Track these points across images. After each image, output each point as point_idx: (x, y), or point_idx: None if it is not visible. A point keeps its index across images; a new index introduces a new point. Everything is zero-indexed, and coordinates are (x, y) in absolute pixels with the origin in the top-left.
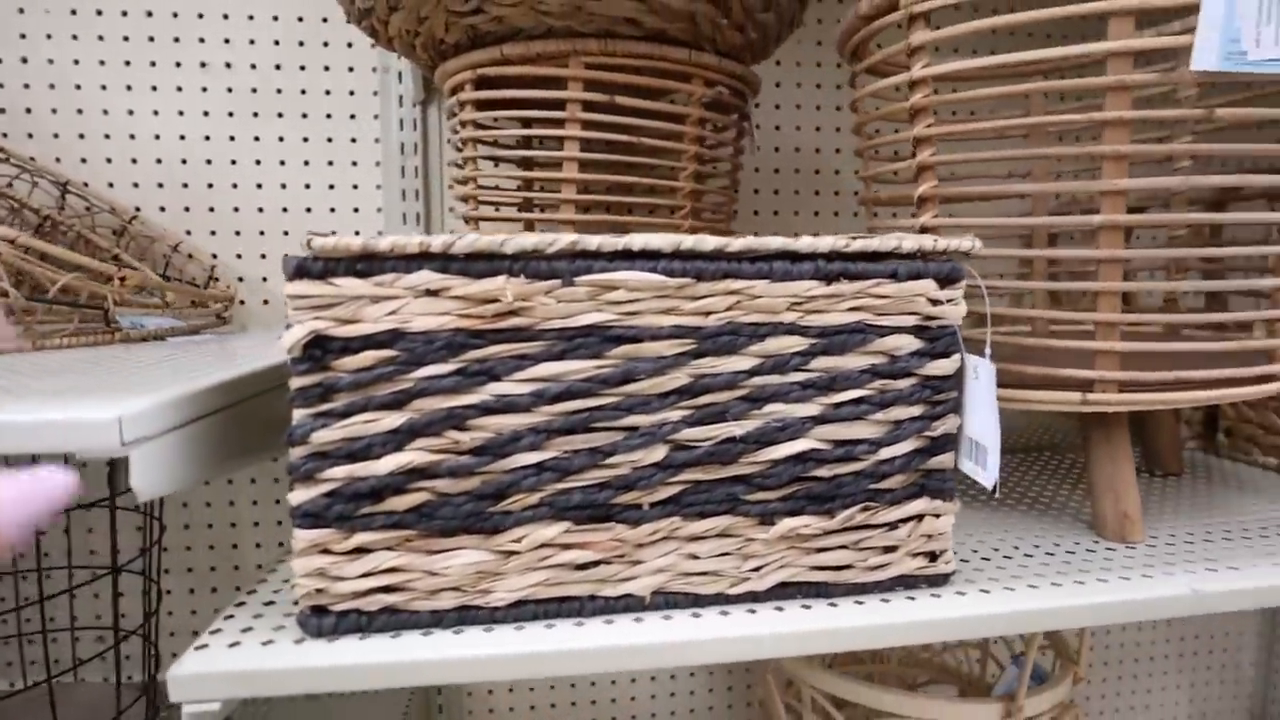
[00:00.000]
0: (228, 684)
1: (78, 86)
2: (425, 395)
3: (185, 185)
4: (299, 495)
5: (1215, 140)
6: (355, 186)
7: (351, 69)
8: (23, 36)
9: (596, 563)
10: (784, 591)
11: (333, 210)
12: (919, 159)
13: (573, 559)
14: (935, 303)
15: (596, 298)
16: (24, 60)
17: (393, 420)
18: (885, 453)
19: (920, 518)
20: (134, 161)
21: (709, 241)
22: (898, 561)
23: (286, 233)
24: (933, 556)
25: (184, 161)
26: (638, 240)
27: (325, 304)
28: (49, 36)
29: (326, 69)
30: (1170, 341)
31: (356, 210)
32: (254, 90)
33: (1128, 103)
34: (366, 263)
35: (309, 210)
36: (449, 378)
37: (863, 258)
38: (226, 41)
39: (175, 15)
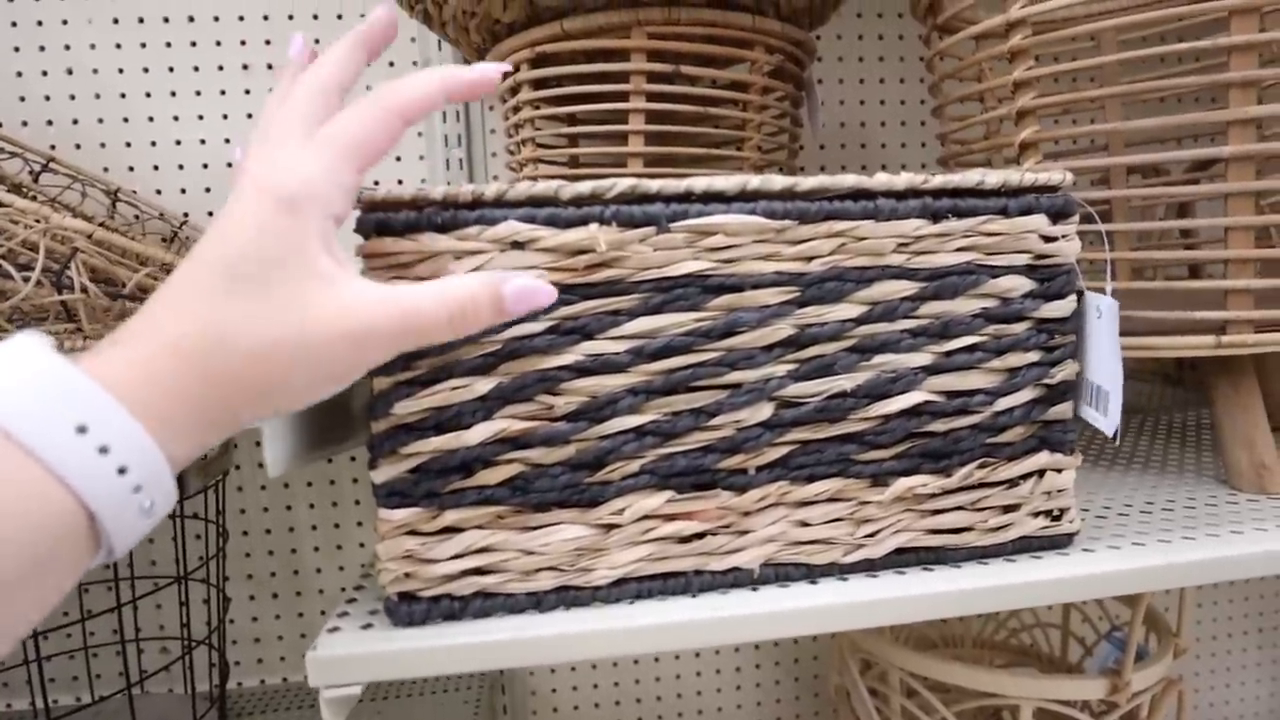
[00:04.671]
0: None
1: (122, 95)
2: (516, 357)
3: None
4: (383, 473)
5: None
6: (400, 181)
7: (391, 64)
8: (67, 48)
9: (701, 535)
10: (900, 558)
11: None
12: (1019, 104)
13: (676, 531)
14: (1048, 239)
15: (694, 244)
16: (69, 72)
17: (482, 386)
18: (1002, 403)
19: (1041, 473)
20: (180, 168)
21: (809, 180)
22: (1019, 522)
23: None
24: (1055, 515)
25: (230, 165)
26: (735, 181)
27: (406, 263)
28: (93, 46)
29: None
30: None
31: None
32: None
33: (1255, 27)
34: (449, 215)
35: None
36: (540, 337)
37: (971, 193)
38: (267, 43)
39: (216, 19)
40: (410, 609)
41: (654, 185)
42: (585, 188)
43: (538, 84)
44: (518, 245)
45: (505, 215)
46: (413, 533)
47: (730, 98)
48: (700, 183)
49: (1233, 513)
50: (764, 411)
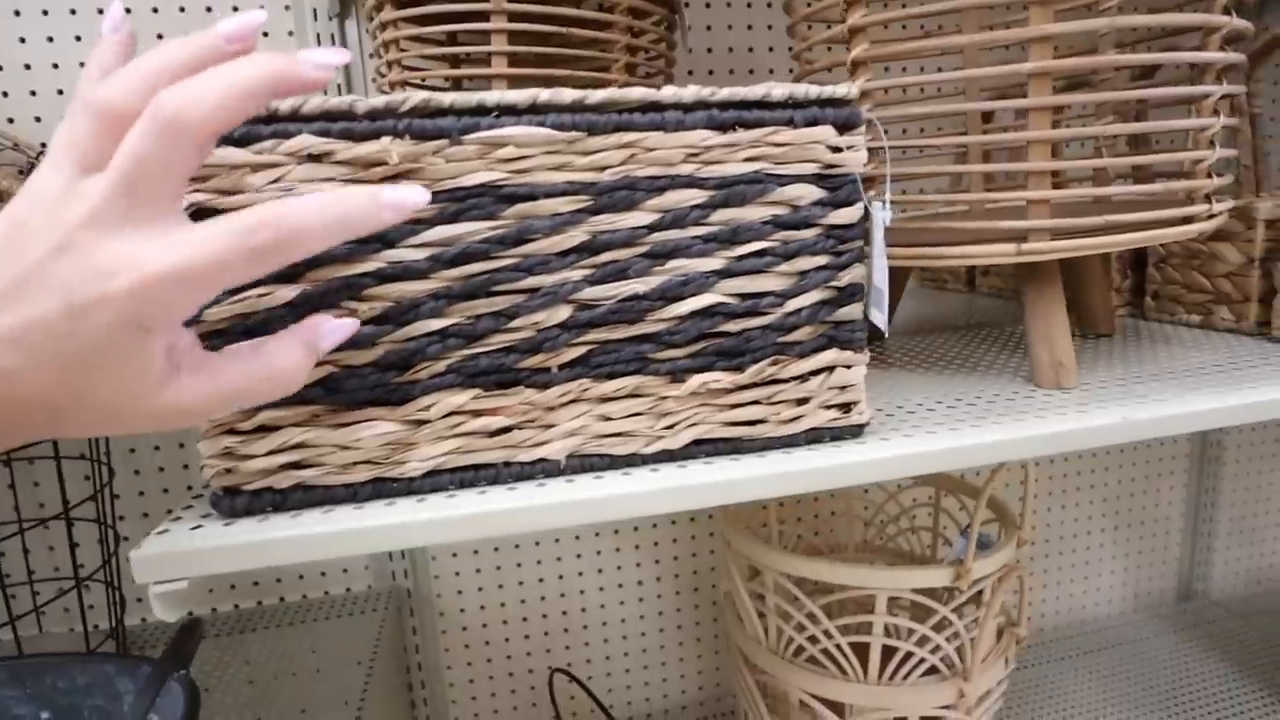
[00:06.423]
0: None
1: None
2: (319, 265)
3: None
4: None
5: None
6: None
7: (262, 5)
8: None
9: (509, 429)
10: (699, 449)
11: None
12: (850, 21)
13: (484, 425)
14: (835, 150)
15: (486, 156)
16: None
17: (286, 293)
18: (792, 304)
19: (831, 369)
20: (33, 94)
21: (597, 94)
22: (810, 414)
23: None
24: (846, 408)
25: None
26: (525, 95)
27: (204, 176)
28: None
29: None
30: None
31: None
32: (155, 10)
33: None
34: (244, 129)
35: None
36: (341, 245)
37: (758, 105)
38: None
39: None
40: (233, 501)
41: (447, 99)
42: (379, 102)
43: (400, 2)
44: (314, 158)
45: (300, 129)
46: (230, 431)
47: (600, 20)
48: (492, 96)
49: (1026, 405)
50: (561, 313)
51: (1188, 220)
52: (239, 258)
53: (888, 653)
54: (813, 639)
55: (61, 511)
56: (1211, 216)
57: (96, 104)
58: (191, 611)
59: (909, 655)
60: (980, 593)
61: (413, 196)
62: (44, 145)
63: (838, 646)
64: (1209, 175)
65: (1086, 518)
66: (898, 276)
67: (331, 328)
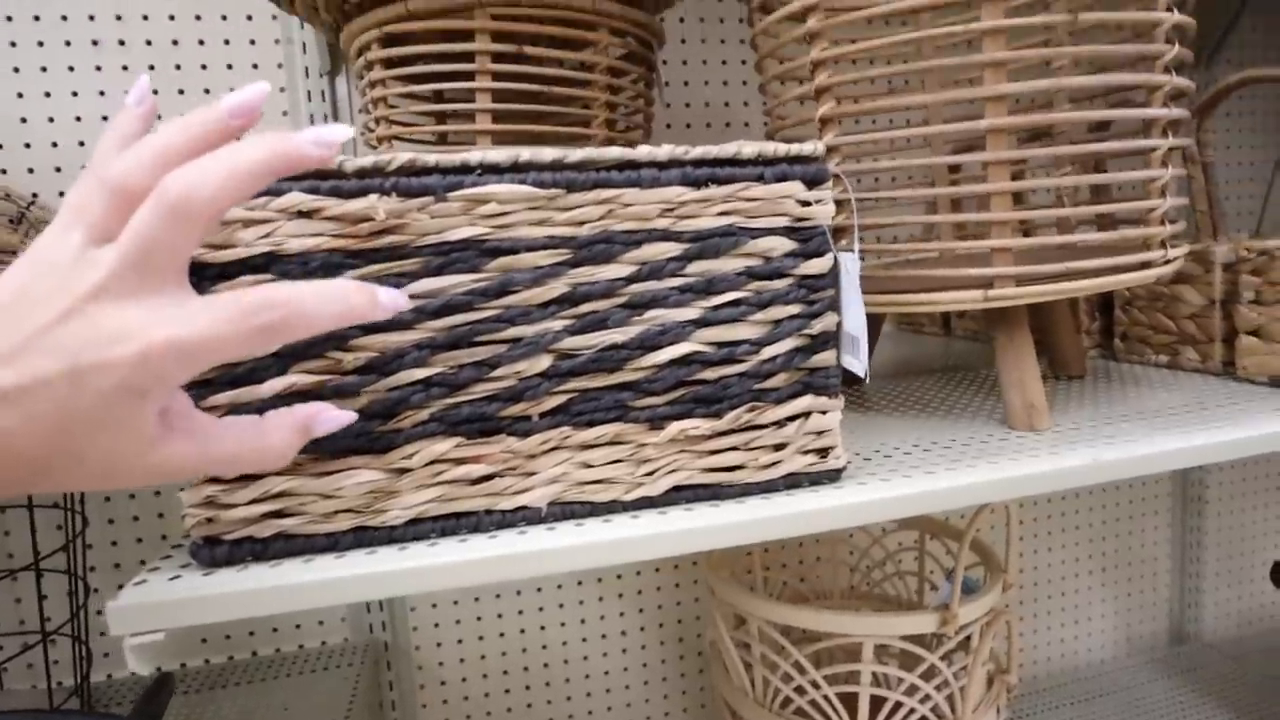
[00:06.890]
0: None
1: None
2: None
3: (85, 169)
4: None
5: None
6: None
7: (253, 42)
8: None
9: (490, 477)
10: (678, 495)
11: None
12: (817, 81)
13: (466, 474)
14: (804, 204)
15: (470, 212)
16: None
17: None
18: (767, 352)
19: (807, 415)
20: (27, 146)
21: (576, 153)
22: (788, 459)
23: None
24: (823, 453)
25: (81, 144)
26: (507, 154)
27: None
28: None
29: (227, 43)
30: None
31: None
32: (151, 67)
33: (1002, 13)
34: None
35: None
36: None
37: (729, 163)
38: (118, 18)
39: None
40: (213, 551)
41: (431, 159)
42: (367, 161)
43: (388, 63)
44: (303, 214)
45: (291, 187)
46: (213, 480)
47: (580, 78)
48: (475, 155)
49: (1000, 447)
50: (542, 363)
51: (1145, 265)
52: (243, 334)
53: (876, 703)
54: (800, 690)
55: (32, 562)
56: (1168, 262)
57: (110, 181)
58: (160, 667)
59: (898, 705)
60: (968, 639)
61: (401, 300)
62: (35, 196)
63: (825, 698)
64: (1163, 222)
65: (1074, 559)
66: (873, 322)
67: (328, 418)
